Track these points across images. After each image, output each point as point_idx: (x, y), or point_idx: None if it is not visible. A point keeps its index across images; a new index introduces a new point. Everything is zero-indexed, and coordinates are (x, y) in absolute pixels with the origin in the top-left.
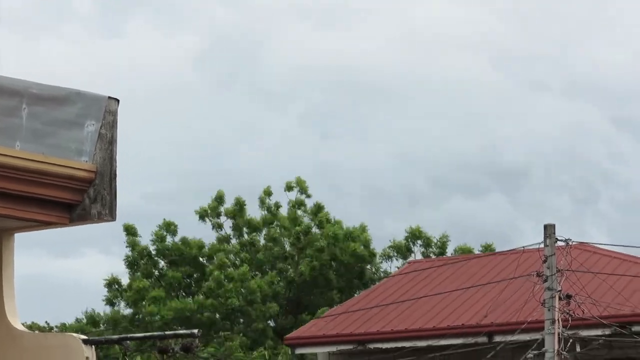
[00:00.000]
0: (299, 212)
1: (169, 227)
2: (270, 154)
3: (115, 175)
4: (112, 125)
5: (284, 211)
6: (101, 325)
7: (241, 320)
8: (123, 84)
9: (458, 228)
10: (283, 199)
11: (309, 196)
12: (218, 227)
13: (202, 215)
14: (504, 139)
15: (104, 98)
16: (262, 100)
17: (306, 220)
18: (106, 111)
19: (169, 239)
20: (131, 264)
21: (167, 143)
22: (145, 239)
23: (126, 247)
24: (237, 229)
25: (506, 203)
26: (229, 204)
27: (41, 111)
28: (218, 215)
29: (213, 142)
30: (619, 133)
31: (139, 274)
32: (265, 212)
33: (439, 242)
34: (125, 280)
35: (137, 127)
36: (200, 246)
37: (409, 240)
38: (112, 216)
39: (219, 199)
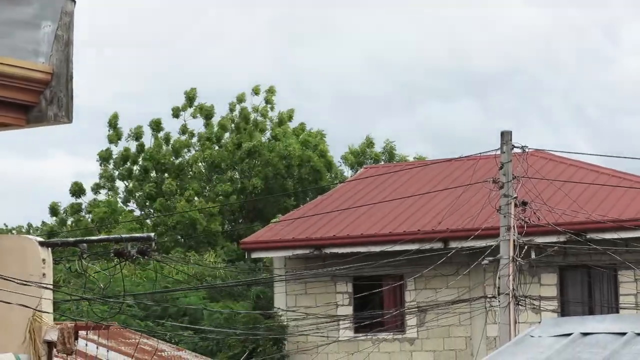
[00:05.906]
0: (260, 119)
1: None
2: (237, 57)
3: (71, 77)
4: (69, 27)
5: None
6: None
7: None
8: None
9: (429, 134)
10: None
11: (272, 107)
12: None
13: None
14: (475, 44)
15: None
16: (231, 3)
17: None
18: (62, 12)
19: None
20: (105, 158)
21: (133, 44)
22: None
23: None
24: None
25: (478, 109)
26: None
27: None
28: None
29: (180, 43)
30: (594, 36)
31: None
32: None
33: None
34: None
35: (103, 27)
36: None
37: (365, 146)
38: (68, 118)
39: (191, 99)
